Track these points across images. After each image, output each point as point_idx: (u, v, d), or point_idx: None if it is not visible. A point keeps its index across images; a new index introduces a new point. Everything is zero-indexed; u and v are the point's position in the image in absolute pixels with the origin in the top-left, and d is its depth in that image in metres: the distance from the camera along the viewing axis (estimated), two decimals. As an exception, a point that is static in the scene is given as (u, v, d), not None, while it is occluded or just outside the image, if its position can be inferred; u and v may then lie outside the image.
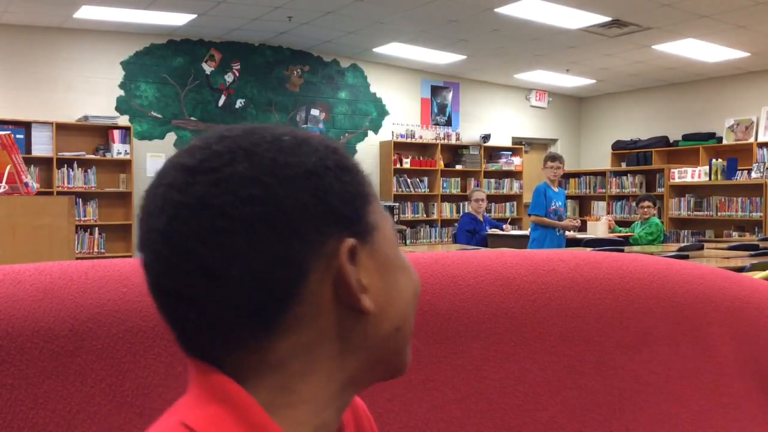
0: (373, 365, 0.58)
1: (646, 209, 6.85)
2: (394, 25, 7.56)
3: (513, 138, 10.72)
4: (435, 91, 10.04)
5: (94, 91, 7.69)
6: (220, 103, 8.47)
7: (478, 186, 9.61)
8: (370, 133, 9.49)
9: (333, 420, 0.56)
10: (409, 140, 9.60)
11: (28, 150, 7.08)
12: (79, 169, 7.44)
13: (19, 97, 7.31)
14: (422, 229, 9.51)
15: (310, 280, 0.52)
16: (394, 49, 8.62)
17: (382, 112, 9.59)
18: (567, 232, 6.23)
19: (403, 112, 9.75)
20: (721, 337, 1.13)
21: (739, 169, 8.24)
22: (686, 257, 4.36)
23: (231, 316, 0.51)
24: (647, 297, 1.10)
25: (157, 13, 7.07)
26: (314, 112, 9.06)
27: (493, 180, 10.16)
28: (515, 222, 9.70)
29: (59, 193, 7.11)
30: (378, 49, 8.70)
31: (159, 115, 8.09)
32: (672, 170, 8.69)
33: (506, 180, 10.29)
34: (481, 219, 7.26)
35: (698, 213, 8.38)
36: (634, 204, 8.41)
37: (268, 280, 0.51)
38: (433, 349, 0.95)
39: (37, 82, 7.41)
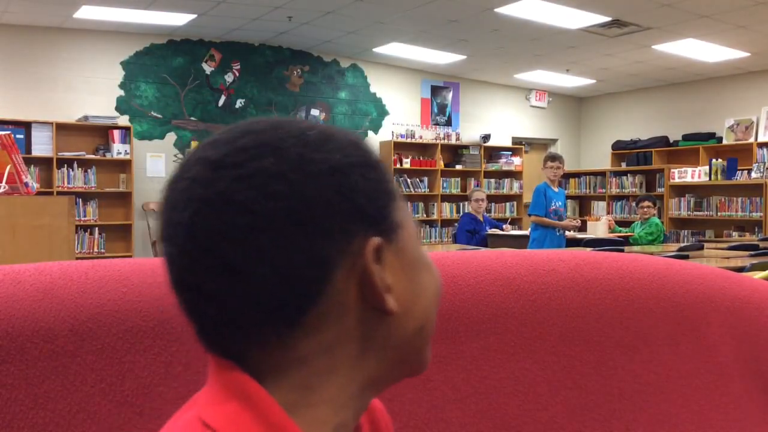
0: (394, 365, 0.57)
1: (646, 209, 6.85)
2: (394, 25, 7.56)
3: (513, 138, 10.72)
4: (435, 91, 10.04)
5: (94, 91, 7.69)
6: (220, 103, 8.47)
7: (478, 186, 9.61)
8: (370, 133, 9.50)
9: (351, 420, 0.55)
10: (409, 140, 9.60)
11: (28, 150, 7.09)
12: (79, 169, 7.44)
13: (19, 97, 7.31)
14: (422, 229, 9.51)
15: (334, 279, 0.51)
16: (394, 49, 8.63)
17: (382, 112, 9.59)
18: (567, 232, 6.23)
19: (403, 112, 9.75)
20: (721, 337, 1.13)
21: (739, 169, 8.24)
22: (686, 257, 4.36)
23: (253, 313, 0.51)
24: (647, 297, 1.10)
25: (157, 13, 7.07)
26: (314, 112, 9.06)
27: (493, 180, 10.16)
28: (515, 222, 9.70)
29: (59, 193, 7.11)
30: (378, 49, 8.70)
31: (159, 115, 8.09)
32: (672, 170, 8.69)
33: (506, 180, 10.29)
34: (481, 219, 7.26)
35: (698, 213, 8.38)
36: (634, 204, 8.41)
37: (292, 277, 0.50)
38: (433, 349, 0.95)
39: (37, 82, 7.41)
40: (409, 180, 9.45)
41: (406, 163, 9.40)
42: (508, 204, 10.32)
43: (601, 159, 10.82)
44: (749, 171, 8.26)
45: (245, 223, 0.49)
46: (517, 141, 10.72)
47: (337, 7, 6.92)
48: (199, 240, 0.50)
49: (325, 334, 0.52)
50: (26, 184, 2.57)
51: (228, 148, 0.52)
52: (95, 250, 7.49)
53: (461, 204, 9.72)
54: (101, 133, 7.66)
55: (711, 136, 9.44)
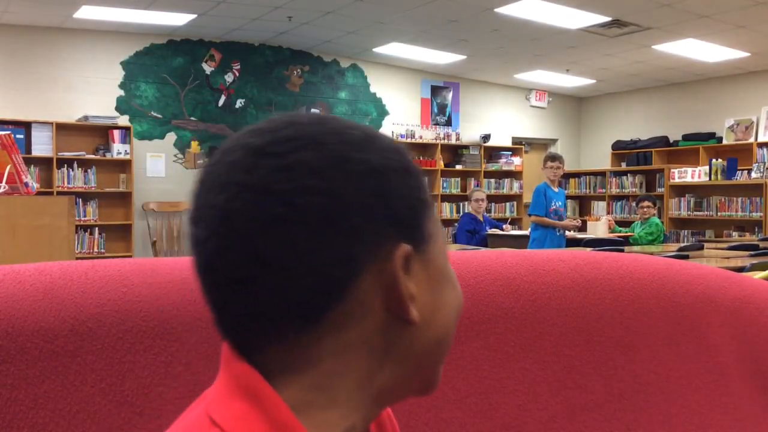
0: (407, 377, 0.56)
1: (646, 209, 6.85)
2: (394, 25, 7.56)
3: (513, 138, 10.72)
4: (435, 91, 10.04)
5: (94, 91, 7.69)
6: (220, 103, 8.47)
7: (478, 186, 9.62)
8: (370, 133, 9.49)
9: (360, 427, 0.55)
10: (409, 140, 9.60)
11: (28, 150, 7.09)
12: (79, 169, 7.44)
13: (19, 97, 7.31)
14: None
15: (361, 281, 0.51)
16: (394, 49, 8.63)
17: (382, 112, 9.59)
18: (567, 232, 6.24)
19: (403, 112, 9.75)
20: (721, 337, 1.13)
21: (739, 169, 8.24)
22: (686, 257, 4.36)
23: (277, 306, 0.50)
24: (647, 297, 1.10)
25: (157, 13, 7.07)
26: (314, 112, 9.06)
27: (493, 180, 10.16)
28: (515, 222, 9.71)
29: (59, 193, 7.11)
30: (378, 49, 8.70)
31: (159, 115, 8.09)
32: (672, 170, 8.70)
33: (506, 180, 10.29)
34: (481, 219, 7.26)
35: (698, 213, 8.38)
36: (634, 204, 8.41)
37: (319, 274, 0.50)
38: (433, 349, 0.95)
39: (37, 82, 7.41)
40: (409, 180, 9.44)
41: (406, 163, 9.39)
42: (508, 204, 10.32)
43: (601, 159, 10.82)
44: (749, 171, 8.26)
45: (280, 213, 0.49)
46: (517, 141, 10.72)
47: (337, 7, 6.92)
48: (232, 225, 0.50)
49: (343, 335, 0.52)
50: (26, 184, 2.57)
51: (271, 137, 0.52)
52: (95, 250, 7.49)
53: (461, 204, 9.72)
54: (101, 133, 7.66)
55: (711, 136, 9.45)
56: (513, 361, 0.99)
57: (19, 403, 0.74)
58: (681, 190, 8.59)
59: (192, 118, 8.30)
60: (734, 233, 7.99)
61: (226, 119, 8.47)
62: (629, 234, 6.93)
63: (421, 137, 9.78)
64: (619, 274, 1.11)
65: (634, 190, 9.50)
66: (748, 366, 1.14)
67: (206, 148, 8.35)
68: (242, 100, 8.59)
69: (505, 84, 10.51)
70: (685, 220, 8.57)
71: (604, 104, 11.13)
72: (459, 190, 9.84)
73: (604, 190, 9.94)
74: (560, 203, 5.96)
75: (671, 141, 9.92)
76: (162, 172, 8.10)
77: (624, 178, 9.75)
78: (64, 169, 7.36)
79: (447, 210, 9.76)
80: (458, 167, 9.86)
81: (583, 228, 7.37)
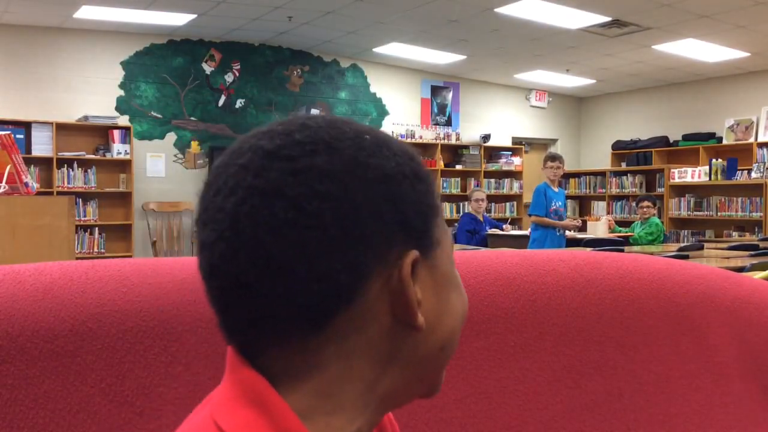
0: (411, 381, 0.56)
1: (645, 209, 6.85)
2: (394, 25, 7.56)
3: (513, 138, 10.72)
4: (435, 91, 10.04)
5: (94, 91, 7.69)
6: (220, 103, 8.47)
7: (478, 186, 9.62)
8: (370, 133, 9.50)
9: (365, 431, 0.55)
10: (409, 140, 9.59)
11: (28, 150, 7.09)
12: (79, 169, 7.44)
13: (19, 97, 7.31)
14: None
15: (369, 287, 0.51)
16: (394, 49, 8.63)
17: (382, 112, 9.59)
18: (567, 232, 6.24)
19: (403, 112, 9.75)
20: (721, 337, 1.13)
21: (739, 169, 8.24)
22: (686, 257, 4.36)
23: (284, 310, 0.50)
24: (647, 297, 1.10)
25: (157, 13, 7.07)
26: (314, 112, 9.06)
27: (493, 180, 10.16)
28: (515, 222, 9.71)
29: (59, 193, 7.11)
30: (378, 49, 8.70)
31: (159, 115, 8.09)
32: (672, 170, 8.70)
33: (506, 180, 10.30)
34: (481, 219, 7.26)
35: (698, 213, 8.38)
36: (634, 204, 8.41)
37: (327, 279, 0.49)
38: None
39: (37, 82, 7.41)
40: (409, 180, 9.45)
41: (406, 163, 9.40)
42: (508, 204, 10.32)
43: (601, 159, 10.82)
44: (749, 171, 8.27)
45: (291, 218, 0.49)
46: (517, 141, 10.72)
47: (337, 7, 6.92)
48: (241, 228, 0.49)
49: (349, 340, 0.52)
50: (26, 184, 2.57)
51: (283, 140, 0.51)
52: (95, 250, 7.49)
53: (461, 204, 9.72)
54: (101, 133, 7.66)
55: (711, 136, 9.45)
56: (513, 361, 0.99)
57: (19, 403, 0.74)
58: (681, 190, 8.60)
59: (192, 118, 8.30)
60: (734, 233, 7.99)
61: (226, 119, 8.47)
62: (629, 234, 6.93)
63: (421, 137, 9.78)
64: (619, 274, 1.11)
65: (634, 190, 9.51)
66: (748, 366, 1.14)
67: (206, 148, 8.35)
68: (242, 100, 8.59)
69: (505, 84, 10.51)
70: (685, 220, 8.57)
71: (604, 104, 11.13)
72: (459, 190, 9.84)
73: (604, 190, 9.94)
74: (560, 203, 5.96)
75: (671, 141, 9.92)
76: (162, 172, 8.10)
77: (624, 178, 9.75)
78: (64, 169, 7.37)
79: (447, 210, 9.76)
80: (458, 167, 9.86)
81: (583, 228, 7.38)
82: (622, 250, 4.87)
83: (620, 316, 1.08)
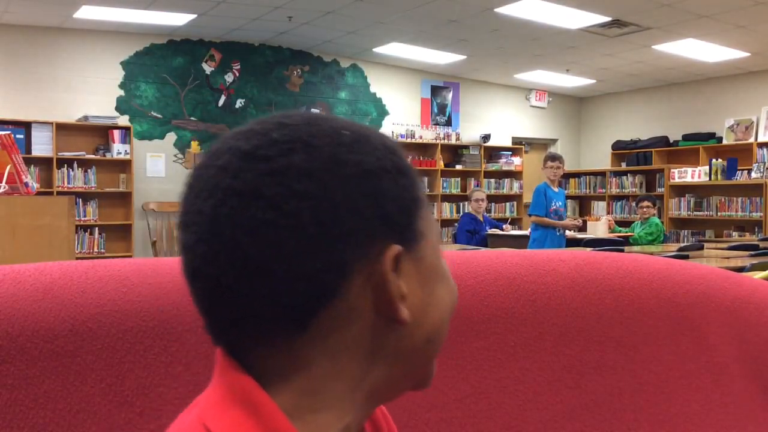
0: (400, 375, 0.56)
1: (645, 209, 6.85)
2: (394, 25, 7.56)
3: (513, 138, 10.72)
4: (435, 91, 10.04)
5: (94, 91, 7.69)
6: (220, 103, 8.47)
7: (478, 186, 9.62)
8: (370, 133, 9.50)
9: (354, 427, 0.55)
10: (409, 140, 9.60)
11: (28, 150, 7.09)
12: (79, 169, 7.45)
13: (19, 97, 7.31)
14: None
15: (351, 284, 0.50)
16: (394, 49, 8.63)
17: (382, 112, 9.59)
18: (567, 232, 6.24)
19: (403, 112, 9.75)
20: (721, 337, 1.13)
21: (739, 169, 8.25)
22: (686, 257, 4.36)
23: (266, 311, 0.50)
24: (647, 297, 1.10)
25: (157, 13, 7.07)
26: (312, 111, 9.05)
27: (493, 180, 10.16)
28: (515, 222, 9.71)
29: (59, 193, 7.11)
30: (378, 49, 8.70)
31: (159, 115, 8.09)
32: (672, 170, 8.70)
33: (506, 180, 10.30)
34: (481, 219, 7.26)
35: (698, 213, 8.38)
36: (634, 204, 8.41)
37: (308, 278, 0.49)
38: (433, 349, 0.95)
39: (37, 82, 7.41)
40: (409, 180, 9.44)
41: (406, 163, 9.39)
42: (508, 204, 10.32)
43: (601, 159, 10.82)
44: (749, 171, 8.27)
45: (269, 219, 0.48)
46: (517, 141, 10.72)
47: (337, 7, 6.92)
48: (220, 230, 0.49)
49: (333, 338, 0.52)
50: (26, 184, 2.57)
51: (260, 140, 0.51)
52: (95, 250, 7.49)
53: (461, 204, 9.72)
54: (101, 133, 7.66)
55: (711, 136, 9.45)
56: (513, 361, 0.99)
57: (19, 403, 0.74)
58: (681, 190, 8.60)
59: (192, 118, 8.30)
60: (734, 233, 7.99)
61: (226, 119, 8.47)
62: (629, 234, 6.93)
63: (421, 137, 9.79)
64: (619, 274, 1.11)
65: (634, 190, 9.51)
66: (748, 366, 1.14)
67: (206, 148, 8.33)
68: (242, 100, 8.59)
69: (505, 84, 10.52)
70: (685, 220, 8.57)
71: (604, 104, 11.13)
72: (459, 190, 9.84)
73: (604, 190, 9.94)
74: (560, 203, 5.96)
75: (671, 141, 9.92)
76: (162, 172, 8.10)
77: (624, 178, 9.75)
78: (64, 169, 7.37)
79: (447, 210, 9.76)
80: (458, 167, 9.86)
81: (583, 228, 7.38)
82: (622, 250, 4.87)
83: (620, 316, 1.08)
